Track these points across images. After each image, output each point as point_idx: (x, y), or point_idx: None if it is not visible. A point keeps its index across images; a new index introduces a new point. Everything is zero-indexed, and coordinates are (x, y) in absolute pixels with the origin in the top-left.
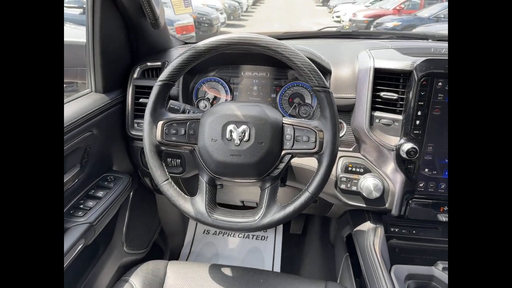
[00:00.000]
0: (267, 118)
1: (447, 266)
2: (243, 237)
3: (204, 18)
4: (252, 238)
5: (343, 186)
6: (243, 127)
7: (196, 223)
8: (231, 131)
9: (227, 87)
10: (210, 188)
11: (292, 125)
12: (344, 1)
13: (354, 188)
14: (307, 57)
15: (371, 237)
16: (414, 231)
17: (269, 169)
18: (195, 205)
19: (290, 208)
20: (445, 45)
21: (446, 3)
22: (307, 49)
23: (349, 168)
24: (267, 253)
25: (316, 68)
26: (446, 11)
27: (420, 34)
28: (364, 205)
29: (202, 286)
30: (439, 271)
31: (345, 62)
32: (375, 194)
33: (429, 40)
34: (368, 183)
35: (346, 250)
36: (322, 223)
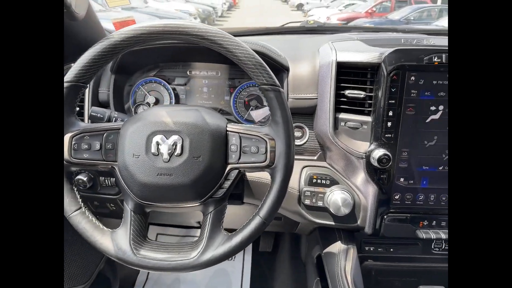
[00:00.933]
0: (206, 125)
1: None
2: None
3: None
4: None
5: (307, 202)
6: (174, 137)
7: None
8: (158, 144)
9: (170, 89)
10: (136, 217)
11: (238, 133)
12: (318, 6)
13: (320, 204)
14: (259, 51)
15: (342, 260)
16: (391, 249)
17: (211, 189)
18: (116, 240)
19: (237, 239)
20: (416, 36)
21: (415, 6)
22: (260, 43)
23: (314, 180)
24: (234, 275)
25: (263, 62)
26: (415, 14)
27: (390, 28)
28: (333, 223)
29: None
30: None
31: (306, 58)
32: (344, 211)
33: (399, 33)
34: (335, 198)
35: (316, 273)
36: (293, 239)
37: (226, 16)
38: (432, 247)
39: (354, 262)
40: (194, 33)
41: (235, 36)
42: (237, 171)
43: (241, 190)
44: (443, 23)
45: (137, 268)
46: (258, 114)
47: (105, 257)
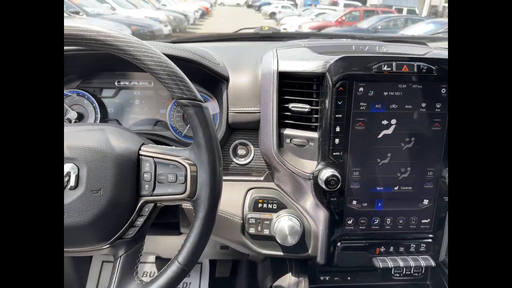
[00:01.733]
0: (110, 149)
1: None
2: None
3: (146, 31)
4: None
5: (252, 231)
6: (68, 166)
7: (99, 276)
8: None
9: (95, 102)
10: None
11: (153, 157)
12: (290, 14)
13: (266, 232)
14: (189, 59)
15: None
16: (349, 277)
17: (119, 229)
18: None
19: (151, 286)
20: (371, 42)
21: (383, 15)
22: (195, 50)
23: (260, 205)
24: None
25: (179, 72)
26: (382, 23)
27: (347, 35)
28: (282, 253)
29: None
30: None
31: (248, 66)
32: (291, 240)
33: (356, 40)
34: (282, 225)
35: None
36: (251, 264)
37: (198, 24)
38: (393, 273)
39: None
40: (93, 38)
41: (184, 42)
42: (152, 204)
43: (177, 219)
44: (408, 32)
45: None
46: None
47: None
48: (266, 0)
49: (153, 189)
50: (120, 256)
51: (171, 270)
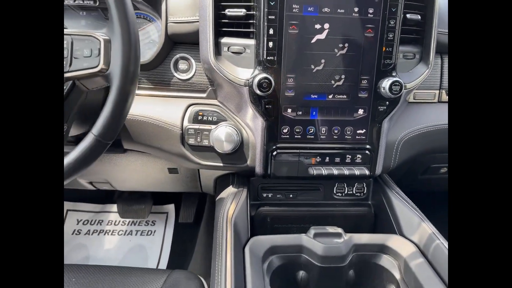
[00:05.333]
0: None
1: (319, 231)
2: (124, 235)
3: None
4: (136, 235)
5: (191, 141)
6: None
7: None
8: None
9: None
10: None
11: (70, 35)
12: None
13: (206, 143)
14: None
15: (228, 205)
16: (291, 195)
17: None
18: None
19: (66, 160)
20: None
21: None
22: None
23: (199, 117)
24: (153, 250)
25: None
26: None
27: None
28: (221, 164)
29: None
30: (309, 238)
31: None
32: (228, 146)
33: None
34: (218, 133)
35: None
36: (211, 206)
37: None
38: (334, 192)
39: (240, 206)
40: None
41: None
42: (71, 82)
43: (119, 136)
44: None
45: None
46: None
47: None
48: None
49: (70, 64)
50: None
51: (86, 141)
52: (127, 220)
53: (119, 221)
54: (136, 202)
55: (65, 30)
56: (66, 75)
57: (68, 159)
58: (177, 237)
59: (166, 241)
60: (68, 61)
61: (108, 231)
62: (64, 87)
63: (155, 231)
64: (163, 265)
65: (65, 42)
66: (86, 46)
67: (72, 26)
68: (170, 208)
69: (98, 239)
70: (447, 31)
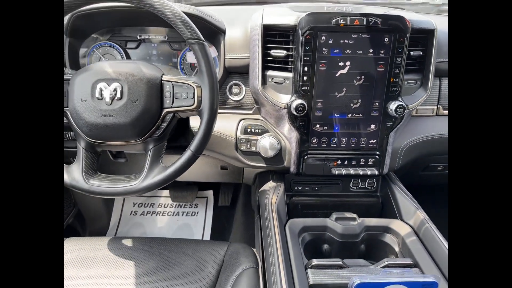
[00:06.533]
0: (142, 74)
1: (339, 216)
2: (173, 215)
3: None
4: (182, 215)
5: (243, 148)
6: (115, 84)
7: (122, 206)
8: (101, 90)
9: (122, 52)
10: (88, 154)
11: (171, 81)
12: None
13: (253, 149)
14: (194, 14)
15: (270, 195)
16: (316, 188)
17: (149, 129)
18: (71, 173)
19: (171, 169)
20: (347, 5)
21: None
22: (199, 9)
23: (248, 130)
24: (197, 228)
25: (188, 19)
26: None
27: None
28: (264, 165)
29: (95, 260)
30: (332, 221)
31: (241, 22)
32: (271, 153)
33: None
34: (264, 143)
35: (258, 213)
36: (246, 192)
37: None
38: (350, 186)
39: (280, 196)
40: None
41: (195, 5)
42: (171, 114)
43: (187, 142)
44: None
45: (88, 194)
46: None
47: (73, 213)
48: None
49: (172, 103)
50: (150, 149)
51: (185, 156)
52: (174, 203)
53: (168, 204)
54: (184, 189)
55: (167, 77)
56: (170, 109)
57: (171, 169)
58: (216, 218)
59: (207, 221)
60: (171, 100)
61: (159, 212)
62: (167, 117)
63: (198, 212)
64: (207, 237)
65: (167, 86)
66: (184, 90)
67: (145, 54)
68: (210, 193)
69: (152, 219)
70: (444, 60)
